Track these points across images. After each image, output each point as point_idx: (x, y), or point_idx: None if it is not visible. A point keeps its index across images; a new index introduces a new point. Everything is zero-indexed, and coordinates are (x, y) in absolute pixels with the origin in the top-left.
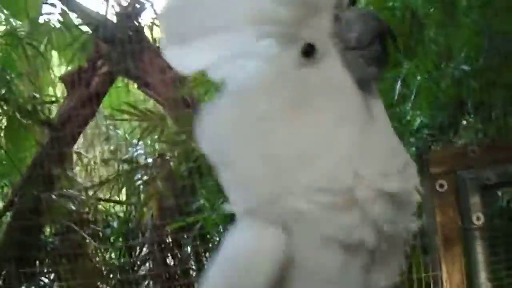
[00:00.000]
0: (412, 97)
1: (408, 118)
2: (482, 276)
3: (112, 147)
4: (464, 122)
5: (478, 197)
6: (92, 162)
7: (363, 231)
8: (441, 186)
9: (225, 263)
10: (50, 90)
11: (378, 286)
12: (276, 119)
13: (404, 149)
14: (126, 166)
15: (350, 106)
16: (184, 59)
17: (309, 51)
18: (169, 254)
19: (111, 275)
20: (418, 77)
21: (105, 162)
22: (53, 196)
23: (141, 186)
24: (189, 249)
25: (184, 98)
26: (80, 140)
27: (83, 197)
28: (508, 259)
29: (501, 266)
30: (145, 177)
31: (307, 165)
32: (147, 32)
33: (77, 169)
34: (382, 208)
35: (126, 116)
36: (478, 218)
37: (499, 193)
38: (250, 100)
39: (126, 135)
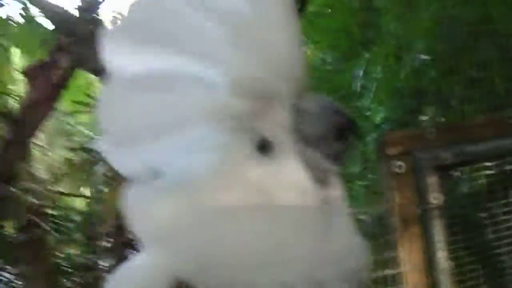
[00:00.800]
0: (373, 89)
1: (369, 112)
2: (441, 255)
3: (73, 144)
4: (424, 118)
5: (436, 177)
6: (54, 158)
7: None
8: (399, 167)
9: None
10: (12, 84)
11: None
12: (222, 217)
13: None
14: (86, 156)
15: (309, 212)
16: (133, 162)
17: (264, 147)
18: (132, 250)
19: (73, 271)
20: (377, 69)
21: (66, 158)
22: (13, 190)
23: (103, 181)
24: None
25: None
26: (41, 136)
27: (44, 191)
28: (466, 239)
29: (460, 245)
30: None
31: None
32: (108, 25)
33: (38, 164)
34: None
35: (86, 109)
36: (435, 198)
37: (457, 173)
38: (199, 194)
39: (88, 131)
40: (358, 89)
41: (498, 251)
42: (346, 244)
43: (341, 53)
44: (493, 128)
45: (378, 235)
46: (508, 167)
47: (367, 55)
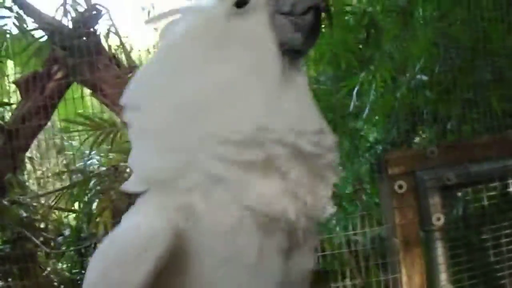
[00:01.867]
0: (367, 110)
1: (362, 133)
2: (443, 277)
3: (65, 161)
4: (417, 139)
5: (438, 198)
6: (46, 174)
7: (284, 201)
8: (400, 187)
9: (101, 253)
10: (5, 95)
11: (297, 273)
12: (191, 67)
13: (322, 119)
14: (79, 176)
15: (266, 63)
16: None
17: (241, 3)
18: None
19: (62, 286)
20: (373, 89)
21: (58, 174)
22: (5, 202)
23: (94, 196)
24: None
25: None
26: (34, 151)
27: (35, 204)
28: (469, 261)
29: (462, 268)
30: (98, 187)
31: (214, 114)
32: (102, 39)
33: (31, 178)
34: (299, 172)
35: (79, 128)
36: (438, 219)
37: (460, 194)
38: (171, 49)
39: (81, 147)
40: (353, 109)
41: (500, 274)
42: (305, 109)
43: (338, 71)
44: (497, 148)
45: (378, 257)
46: (511, 189)
47: (363, 74)
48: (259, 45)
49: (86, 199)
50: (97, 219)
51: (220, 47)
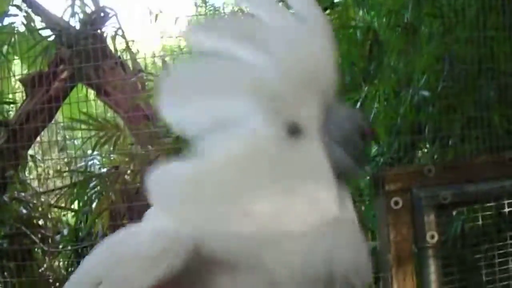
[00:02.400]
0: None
1: None
2: None
3: (66, 159)
4: (420, 153)
5: (433, 216)
6: (46, 171)
7: None
8: (396, 203)
9: (111, 249)
10: (11, 93)
11: None
12: (247, 193)
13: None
14: (80, 176)
15: (327, 191)
16: (182, 119)
17: (294, 131)
18: None
19: (57, 284)
20: (376, 103)
21: (59, 172)
22: (5, 198)
23: (94, 196)
24: None
25: (143, 110)
26: (36, 148)
27: (35, 202)
28: (461, 279)
29: (455, 287)
30: (98, 188)
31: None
32: (109, 41)
33: (31, 175)
34: None
35: (83, 126)
36: (432, 237)
37: (455, 213)
38: (225, 168)
39: (82, 146)
40: None
41: None
42: (356, 237)
43: (342, 84)
44: (494, 169)
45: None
46: (506, 209)
47: (366, 89)
48: (320, 175)
49: (85, 198)
50: (96, 220)
51: (278, 177)
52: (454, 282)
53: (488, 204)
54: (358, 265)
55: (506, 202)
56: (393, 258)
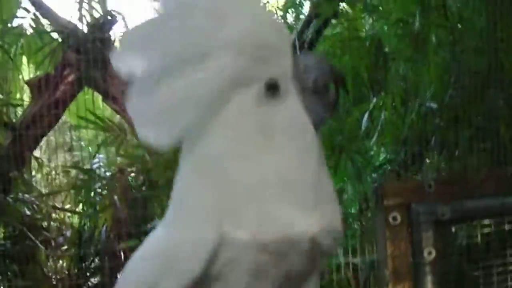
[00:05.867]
0: (377, 132)
1: (372, 153)
2: None
3: (74, 158)
4: (428, 160)
5: (431, 232)
6: (52, 172)
7: None
8: (394, 218)
9: (144, 258)
10: (18, 94)
11: None
12: (233, 157)
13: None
14: (84, 176)
15: (311, 147)
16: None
17: (272, 89)
18: (120, 267)
19: (60, 285)
20: (384, 113)
21: (65, 172)
22: (9, 199)
23: (97, 198)
24: None
25: None
26: (43, 148)
27: (38, 203)
28: None
29: None
30: (101, 189)
31: (260, 203)
32: (116, 45)
33: (37, 176)
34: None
35: (89, 126)
36: (429, 253)
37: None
38: (208, 137)
39: (89, 147)
40: (363, 131)
41: None
42: (332, 190)
43: (349, 95)
44: (495, 185)
45: (369, 284)
46: (506, 226)
47: (374, 99)
48: (303, 131)
49: (89, 201)
50: (99, 222)
51: (261, 138)
52: None
53: (488, 221)
54: (334, 227)
55: (506, 219)
56: (390, 273)
